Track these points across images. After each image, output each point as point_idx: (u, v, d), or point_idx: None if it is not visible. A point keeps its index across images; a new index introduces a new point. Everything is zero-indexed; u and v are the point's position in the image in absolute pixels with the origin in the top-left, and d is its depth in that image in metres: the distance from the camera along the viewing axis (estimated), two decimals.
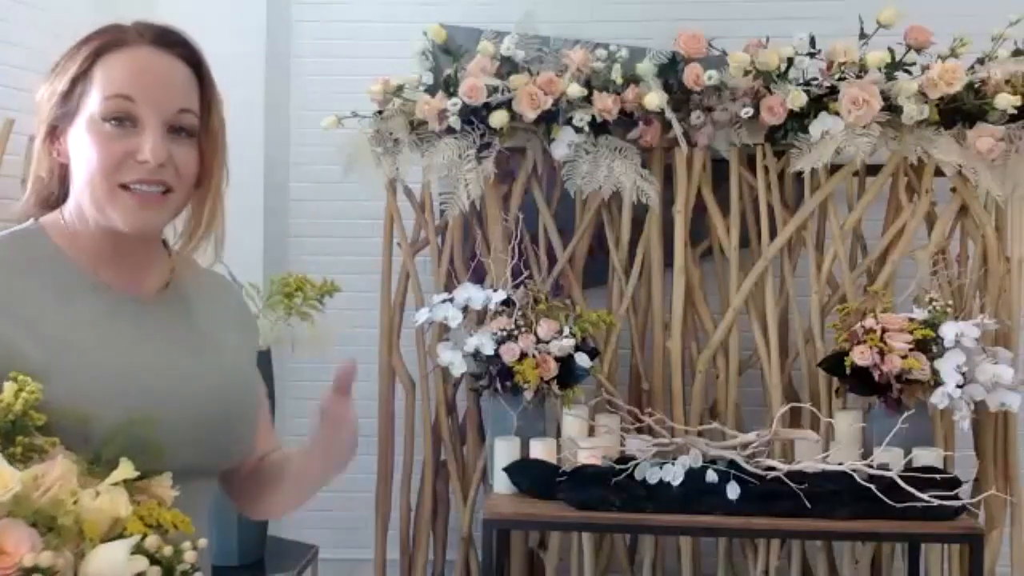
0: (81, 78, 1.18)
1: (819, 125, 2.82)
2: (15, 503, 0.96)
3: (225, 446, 1.26)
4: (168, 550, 0.98)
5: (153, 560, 0.97)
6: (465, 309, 2.89)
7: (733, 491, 2.54)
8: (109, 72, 1.17)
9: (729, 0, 3.36)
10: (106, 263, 1.22)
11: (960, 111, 2.84)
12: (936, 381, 2.68)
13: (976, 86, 2.84)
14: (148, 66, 1.18)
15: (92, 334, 1.17)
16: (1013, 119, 2.83)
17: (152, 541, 0.98)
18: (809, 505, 2.50)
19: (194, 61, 1.22)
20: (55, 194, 1.25)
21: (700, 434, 2.77)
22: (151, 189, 1.16)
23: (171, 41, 1.20)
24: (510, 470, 2.70)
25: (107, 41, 1.19)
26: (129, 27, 1.21)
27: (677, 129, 2.86)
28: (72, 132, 1.19)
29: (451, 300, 2.89)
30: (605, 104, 2.84)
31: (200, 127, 1.21)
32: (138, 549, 0.97)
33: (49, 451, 1.05)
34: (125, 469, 1.05)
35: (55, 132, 1.21)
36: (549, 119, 2.89)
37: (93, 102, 1.17)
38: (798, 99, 2.79)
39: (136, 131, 1.16)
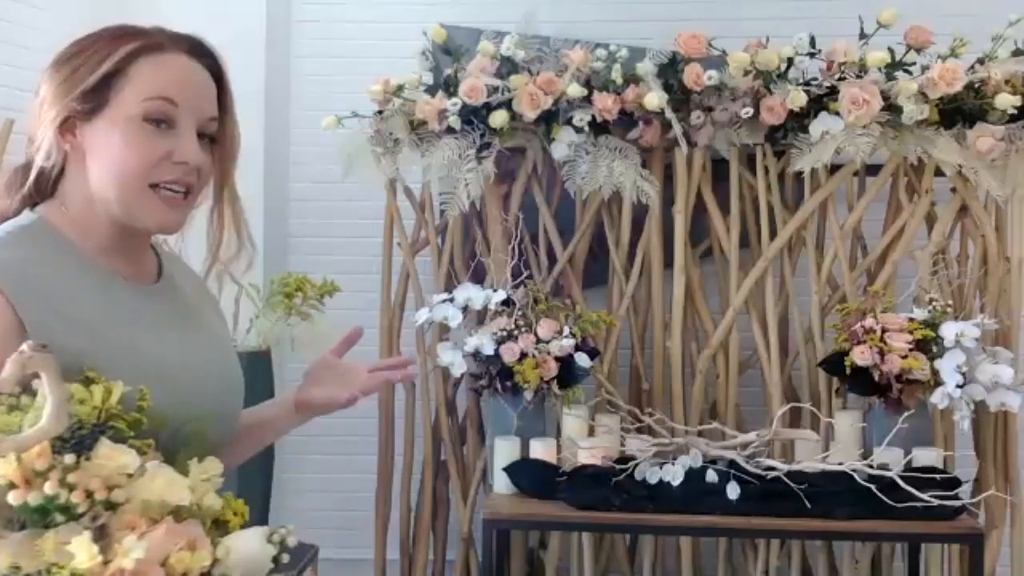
0: (115, 75, 1.21)
1: (819, 125, 2.82)
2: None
3: (233, 424, 1.36)
4: (276, 537, 1.05)
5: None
6: (465, 309, 2.89)
7: (733, 491, 2.54)
8: (151, 74, 1.22)
9: (729, 0, 3.36)
10: (113, 254, 1.26)
11: (960, 111, 2.84)
12: (936, 381, 2.68)
13: (976, 86, 2.83)
14: (188, 74, 1.25)
15: (128, 324, 1.22)
16: (1013, 119, 2.83)
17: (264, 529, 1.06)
18: (809, 505, 2.50)
19: (218, 73, 1.30)
20: (46, 186, 1.27)
21: (700, 434, 2.76)
22: (177, 190, 1.23)
23: (203, 52, 1.28)
24: (510, 470, 2.70)
25: (145, 44, 1.23)
26: (159, 33, 1.26)
27: (677, 129, 2.86)
28: (97, 127, 1.21)
29: (451, 300, 2.89)
30: (605, 104, 2.84)
31: (220, 133, 1.29)
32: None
33: (148, 453, 1.05)
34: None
35: (67, 123, 1.23)
36: (549, 119, 2.89)
37: (129, 101, 1.20)
38: (798, 99, 2.79)
39: (172, 133, 1.22)
